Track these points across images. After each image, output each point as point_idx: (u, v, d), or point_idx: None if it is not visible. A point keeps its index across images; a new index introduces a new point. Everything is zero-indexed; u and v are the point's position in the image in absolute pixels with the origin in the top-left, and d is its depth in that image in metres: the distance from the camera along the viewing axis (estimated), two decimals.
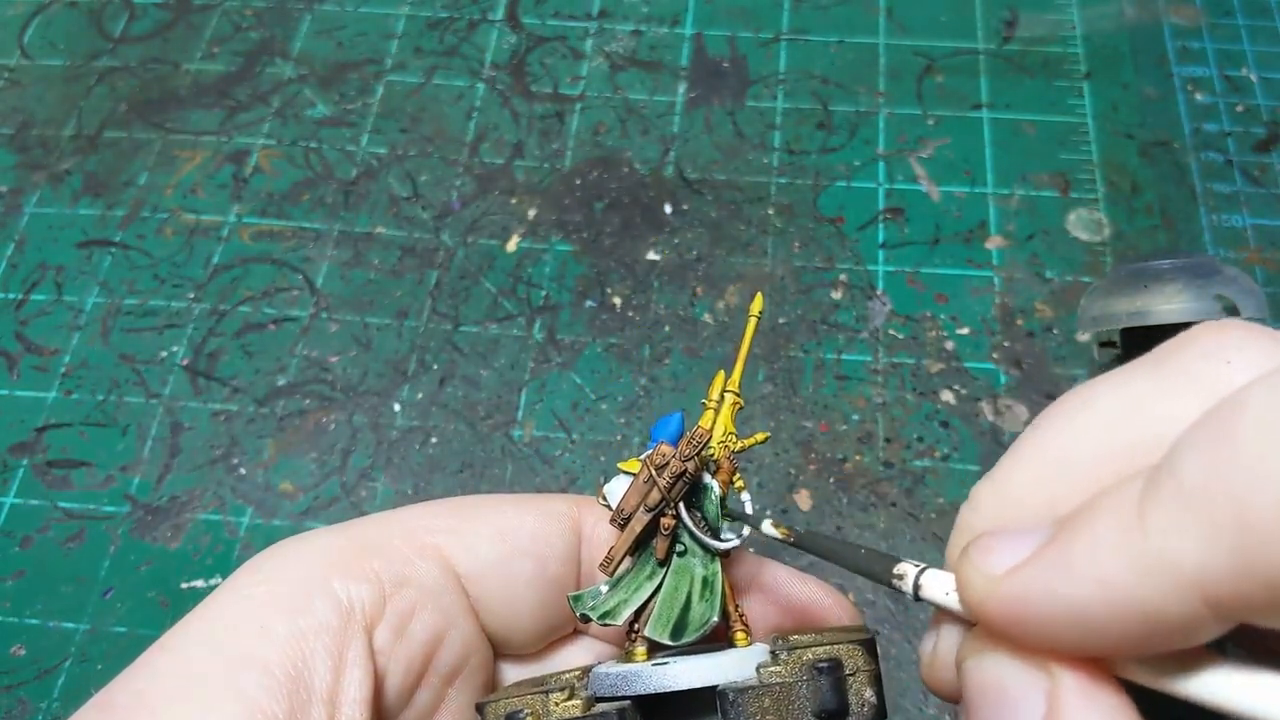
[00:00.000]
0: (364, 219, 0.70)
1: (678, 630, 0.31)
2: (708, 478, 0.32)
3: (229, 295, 0.67)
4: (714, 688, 0.29)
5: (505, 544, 0.33)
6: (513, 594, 0.33)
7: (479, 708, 0.30)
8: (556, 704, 0.29)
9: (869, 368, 0.63)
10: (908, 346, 0.64)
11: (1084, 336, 0.64)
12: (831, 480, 0.59)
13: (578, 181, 0.71)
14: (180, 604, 0.57)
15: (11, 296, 0.68)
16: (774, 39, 0.78)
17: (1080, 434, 0.23)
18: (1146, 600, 0.19)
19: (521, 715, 0.29)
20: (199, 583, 0.58)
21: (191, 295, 0.67)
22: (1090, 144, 0.72)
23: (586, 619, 0.31)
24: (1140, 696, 0.22)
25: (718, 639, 0.32)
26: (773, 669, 0.29)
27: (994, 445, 0.60)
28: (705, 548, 0.32)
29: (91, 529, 0.59)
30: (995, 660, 0.23)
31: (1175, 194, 0.69)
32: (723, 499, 0.32)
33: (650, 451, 0.31)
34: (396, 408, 0.63)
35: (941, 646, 0.25)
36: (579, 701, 0.29)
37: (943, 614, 0.25)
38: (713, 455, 0.33)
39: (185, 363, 0.65)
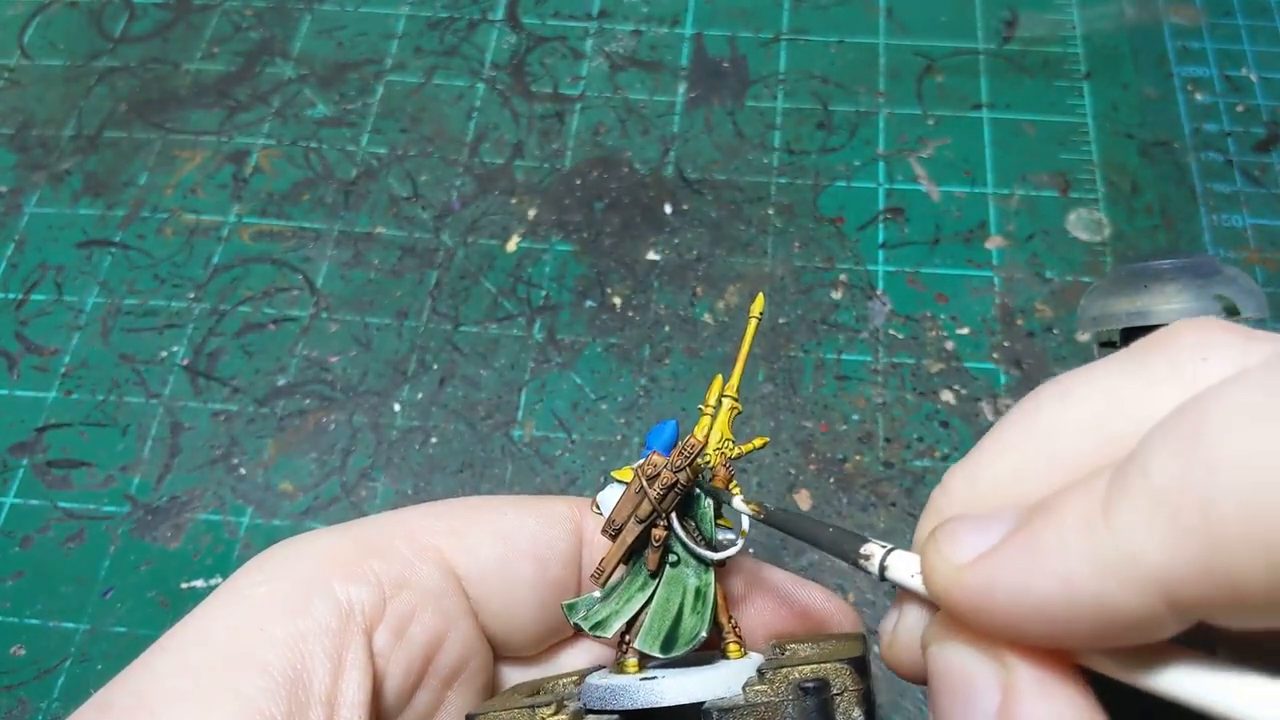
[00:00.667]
0: (364, 219, 0.70)
1: (668, 643, 0.30)
2: (700, 489, 0.32)
3: (229, 295, 0.67)
4: (701, 704, 0.29)
5: (506, 546, 0.33)
6: (513, 596, 0.33)
7: (469, 719, 0.30)
8: (543, 719, 0.29)
9: (869, 368, 0.63)
10: (908, 346, 0.64)
11: (1084, 336, 0.64)
12: (831, 480, 0.59)
13: (578, 181, 0.71)
14: (180, 604, 0.57)
15: (11, 296, 0.68)
16: (774, 39, 0.78)
17: (1056, 425, 0.24)
18: (1107, 596, 0.19)
19: None
20: (199, 583, 0.58)
21: (191, 295, 0.67)
22: (1090, 144, 0.72)
23: (580, 629, 0.31)
24: (1108, 685, 0.22)
25: (712, 647, 0.32)
26: (759, 688, 0.29)
27: None
28: (698, 558, 0.31)
29: (91, 529, 0.59)
30: (956, 648, 0.23)
31: (1175, 194, 0.69)
32: (717, 509, 0.32)
33: (642, 461, 0.31)
34: (396, 408, 0.63)
35: (902, 627, 0.26)
36: (565, 716, 0.29)
37: (907, 595, 0.25)
38: (708, 463, 0.32)
39: (185, 363, 0.65)
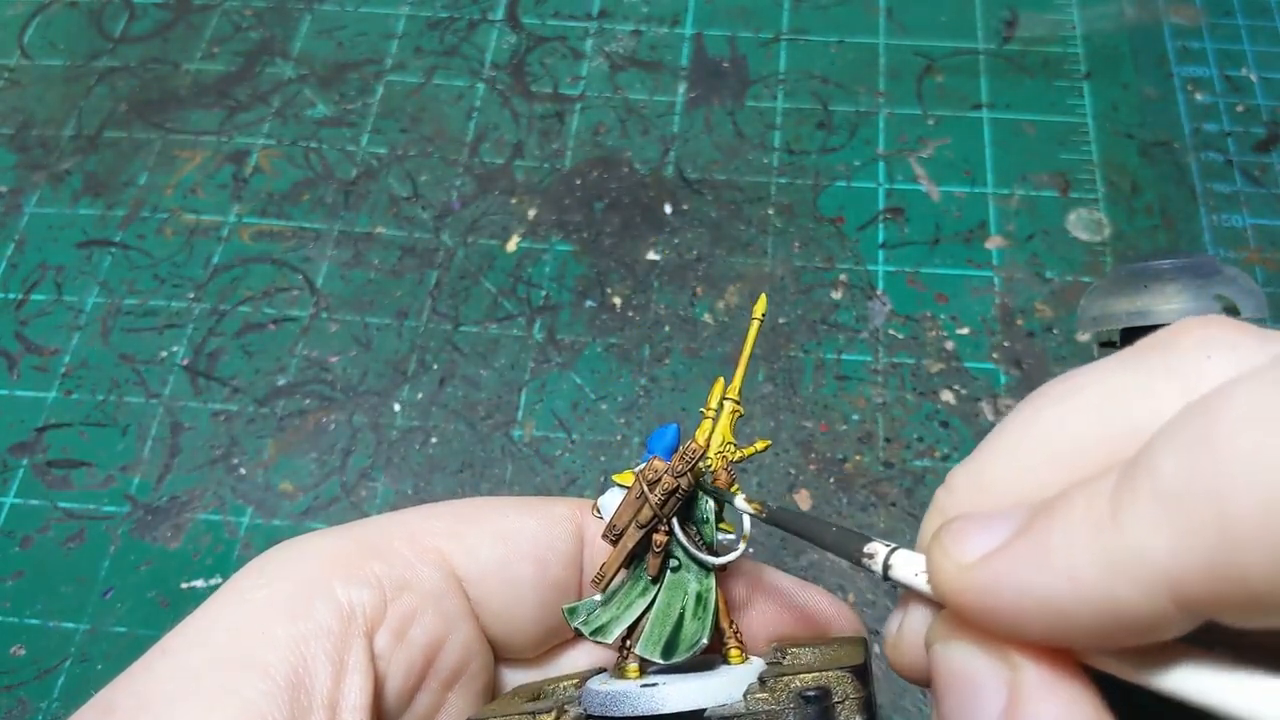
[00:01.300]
0: (364, 219, 0.70)
1: (669, 649, 0.30)
2: (702, 493, 0.32)
3: (229, 295, 0.67)
4: (702, 712, 0.29)
5: (507, 547, 0.33)
6: (514, 598, 0.33)
7: None
8: None
9: (869, 368, 0.63)
10: (908, 346, 0.64)
11: (1084, 336, 0.64)
12: (831, 480, 0.59)
13: (578, 181, 0.71)
14: (180, 604, 0.57)
15: (11, 296, 0.68)
16: (774, 39, 0.78)
17: (1059, 424, 0.23)
18: (1115, 595, 0.19)
19: None
20: (199, 583, 0.58)
21: (191, 295, 0.67)
22: (1090, 144, 0.72)
23: (580, 634, 0.31)
24: (1114, 685, 0.22)
25: (713, 651, 0.32)
26: (760, 695, 0.28)
27: None
28: (699, 563, 0.31)
29: (91, 529, 0.59)
30: (961, 647, 0.23)
31: (1175, 194, 0.69)
32: (719, 513, 0.32)
33: (643, 466, 0.30)
34: (396, 408, 0.63)
35: (907, 626, 0.25)
36: None
37: (911, 594, 0.25)
38: (710, 466, 0.32)
39: (185, 363, 0.65)
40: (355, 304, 0.67)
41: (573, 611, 0.32)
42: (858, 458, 0.60)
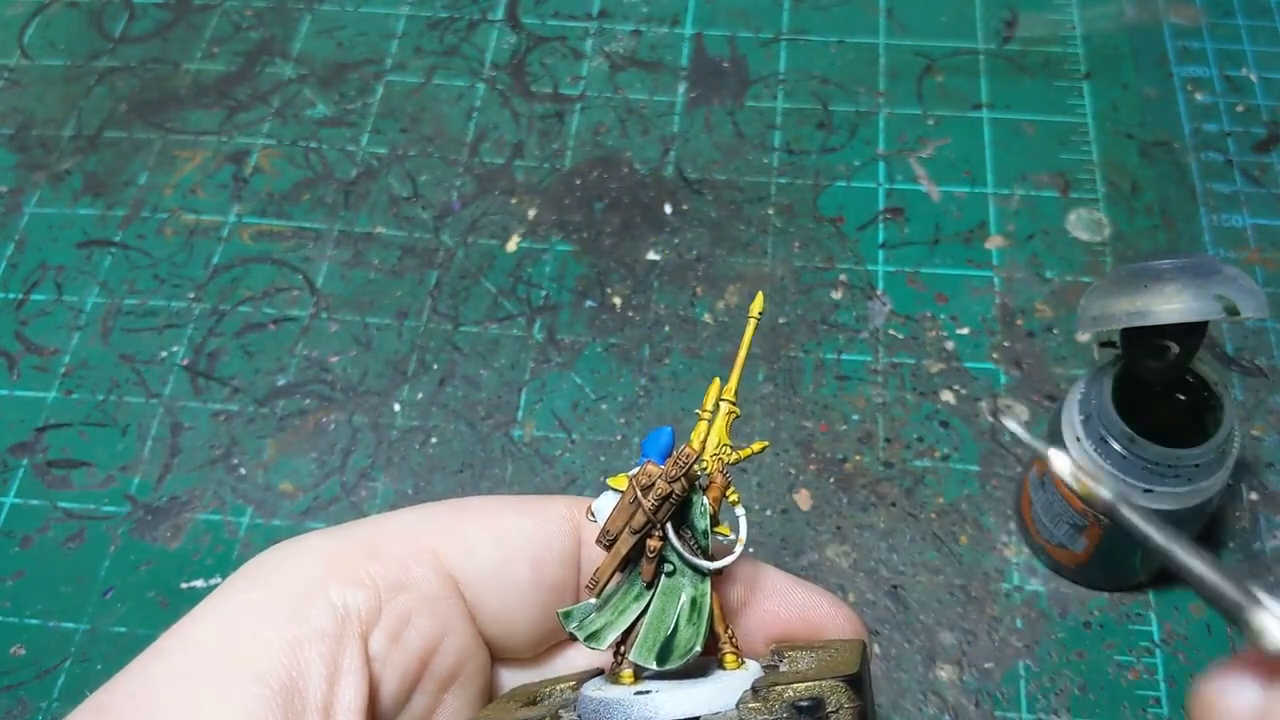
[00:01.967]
0: (364, 219, 0.70)
1: (663, 655, 0.30)
2: (697, 495, 0.31)
3: (229, 295, 0.67)
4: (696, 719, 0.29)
5: (503, 548, 0.33)
6: (510, 598, 0.33)
7: None
8: None
9: (869, 368, 0.63)
10: (908, 346, 0.64)
11: (1084, 336, 0.64)
12: (831, 480, 0.59)
13: (578, 181, 0.71)
14: (180, 604, 0.57)
15: (11, 296, 0.68)
16: (774, 39, 0.78)
17: None
18: None
19: None
20: (199, 583, 0.58)
21: (191, 295, 0.67)
22: (1090, 144, 0.72)
23: (575, 638, 0.31)
24: None
25: (710, 655, 0.32)
26: (752, 705, 0.28)
27: (994, 445, 0.60)
28: (694, 568, 0.31)
29: (91, 529, 0.59)
30: None
31: (1175, 194, 0.69)
32: (714, 517, 0.32)
33: (637, 470, 0.30)
34: (396, 408, 0.63)
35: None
36: None
37: None
38: (705, 470, 0.32)
39: (185, 363, 0.65)
40: (355, 304, 0.67)
41: (568, 616, 0.31)
42: (858, 458, 0.60)
